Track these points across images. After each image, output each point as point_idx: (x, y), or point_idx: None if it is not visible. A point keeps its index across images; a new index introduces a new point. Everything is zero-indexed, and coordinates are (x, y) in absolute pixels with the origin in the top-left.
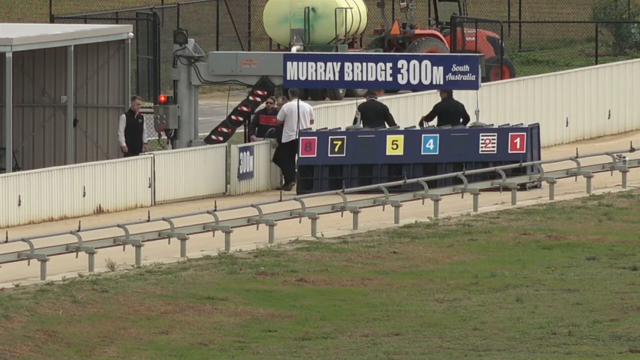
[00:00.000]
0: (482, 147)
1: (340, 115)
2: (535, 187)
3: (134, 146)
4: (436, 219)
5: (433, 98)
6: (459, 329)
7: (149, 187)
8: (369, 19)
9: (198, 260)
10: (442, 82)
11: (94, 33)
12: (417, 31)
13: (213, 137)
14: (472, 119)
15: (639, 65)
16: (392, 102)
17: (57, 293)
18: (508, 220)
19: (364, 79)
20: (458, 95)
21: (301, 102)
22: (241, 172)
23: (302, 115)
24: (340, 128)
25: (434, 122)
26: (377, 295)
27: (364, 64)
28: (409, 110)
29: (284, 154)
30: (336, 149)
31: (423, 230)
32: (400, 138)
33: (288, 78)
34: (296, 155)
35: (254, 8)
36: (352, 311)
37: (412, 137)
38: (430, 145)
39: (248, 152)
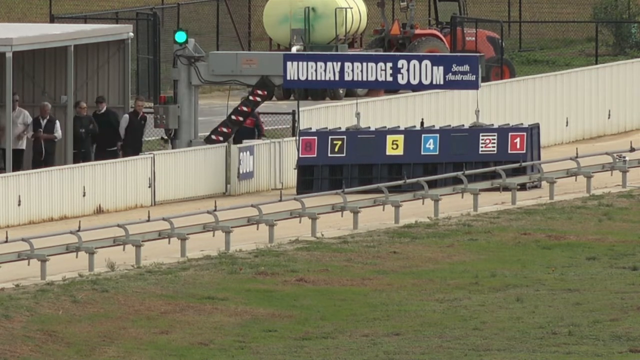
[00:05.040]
0: (482, 147)
1: (340, 115)
2: (535, 187)
3: (135, 146)
4: (436, 219)
5: (433, 98)
6: (459, 329)
7: (149, 187)
8: (369, 19)
9: (198, 260)
10: (442, 82)
11: (94, 33)
12: (417, 31)
13: (213, 137)
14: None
15: (639, 65)
16: (392, 102)
17: (57, 293)
18: (508, 220)
19: (364, 79)
20: (458, 94)
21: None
22: (241, 172)
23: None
24: (340, 128)
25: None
26: (377, 295)
27: (364, 64)
28: (409, 110)
29: None
30: (336, 149)
31: (423, 230)
32: (400, 138)
33: (288, 78)
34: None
35: (254, 8)
36: (352, 311)
37: (412, 137)
38: (430, 145)
39: (248, 152)
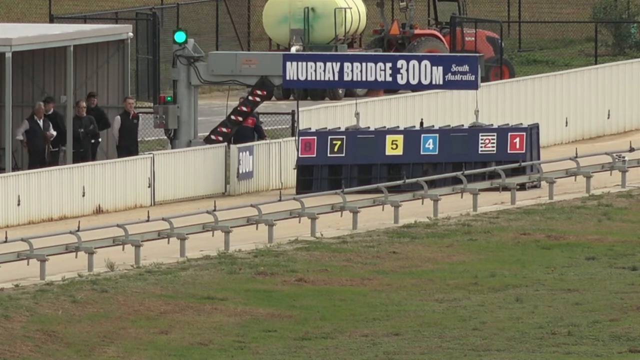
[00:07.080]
0: (481, 147)
1: (339, 115)
2: (535, 187)
3: (131, 148)
4: (436, 219)
5: (433, 98)
6: (458, 329)
7: (149, 187)
8: (369, 19)
9: (197, 260)
10: (441, 82)
11: (93, 33)
12: (417, 31)
13: (212, 137)
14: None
15: (638, 65)
16: (391, 102)
17: (56, 293)
18: (507, 220)
19: (364, 79)
20: (457, 95)
21: None
22: (241, 172)
23: None
24: (339, 128)
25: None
26: (376, 295)
27: (364, 64)
28: (408, 110)
29: None
30: (336, 149)
31: (423, 230)
32: (399, 138)
33: (287, 78)
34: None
35: (254, 8)
36: (352, 311)
37: (412, 137)
38: (429, 145)
39: (247, 152)
